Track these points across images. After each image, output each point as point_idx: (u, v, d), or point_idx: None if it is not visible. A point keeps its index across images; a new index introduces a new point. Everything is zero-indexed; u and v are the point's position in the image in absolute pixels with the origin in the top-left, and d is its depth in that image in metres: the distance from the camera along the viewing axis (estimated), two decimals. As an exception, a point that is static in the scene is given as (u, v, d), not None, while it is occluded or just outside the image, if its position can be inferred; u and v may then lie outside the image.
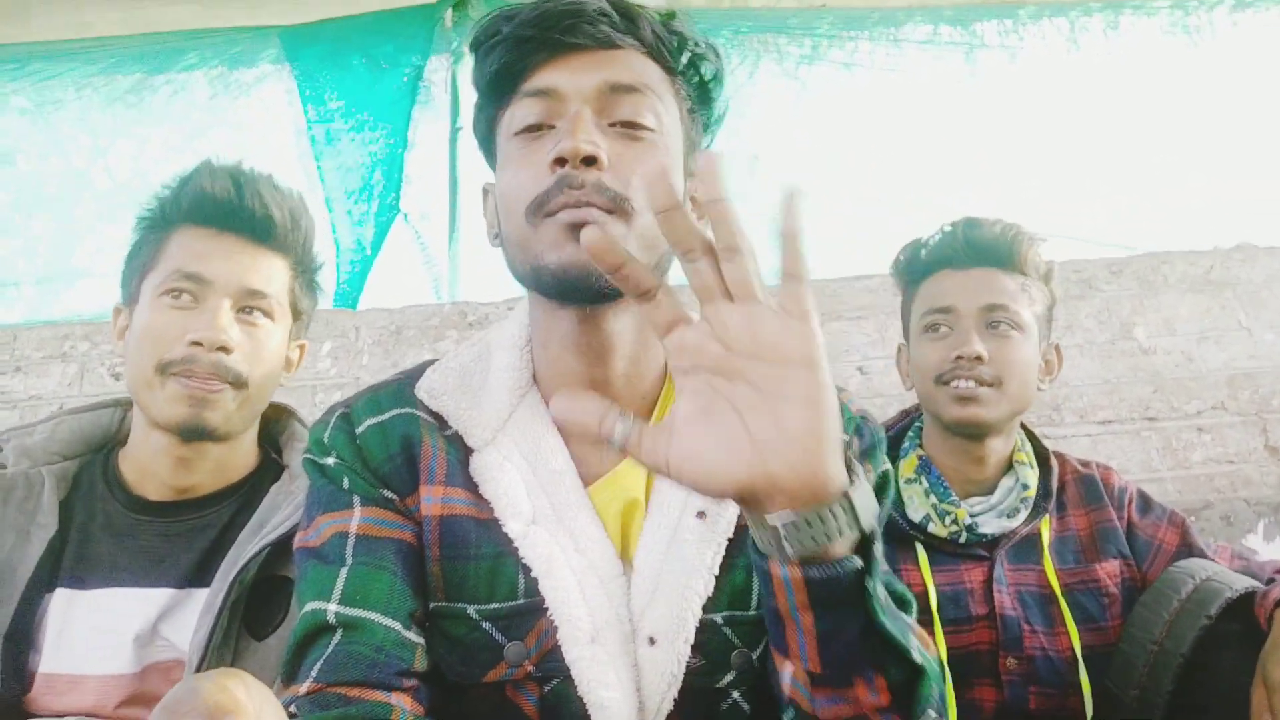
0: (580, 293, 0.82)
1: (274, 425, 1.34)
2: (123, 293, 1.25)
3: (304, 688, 0.76)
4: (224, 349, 1.14)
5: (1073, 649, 1.28)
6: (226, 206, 1.19)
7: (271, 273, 1.22)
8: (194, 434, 1.15)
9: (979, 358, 1.35)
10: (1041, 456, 1.47)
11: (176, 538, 1.17)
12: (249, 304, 1.20)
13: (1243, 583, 1.20)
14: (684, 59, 0.90)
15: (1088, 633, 1.30)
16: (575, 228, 0.78)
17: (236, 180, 1.20)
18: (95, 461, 1.24)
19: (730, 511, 0.85)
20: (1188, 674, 1.17)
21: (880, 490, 0.92)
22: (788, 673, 0.71)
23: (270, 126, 2.67)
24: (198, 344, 1.13)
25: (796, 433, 0.60)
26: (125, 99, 2.66)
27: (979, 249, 1.42)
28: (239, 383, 1.17)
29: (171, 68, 2.65)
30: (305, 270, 1.30)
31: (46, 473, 1.18)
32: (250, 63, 2.65)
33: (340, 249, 2.48)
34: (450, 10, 2.63)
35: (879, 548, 0.67)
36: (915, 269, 1.50)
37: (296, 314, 1.29)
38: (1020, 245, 1.42)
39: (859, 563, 0.64)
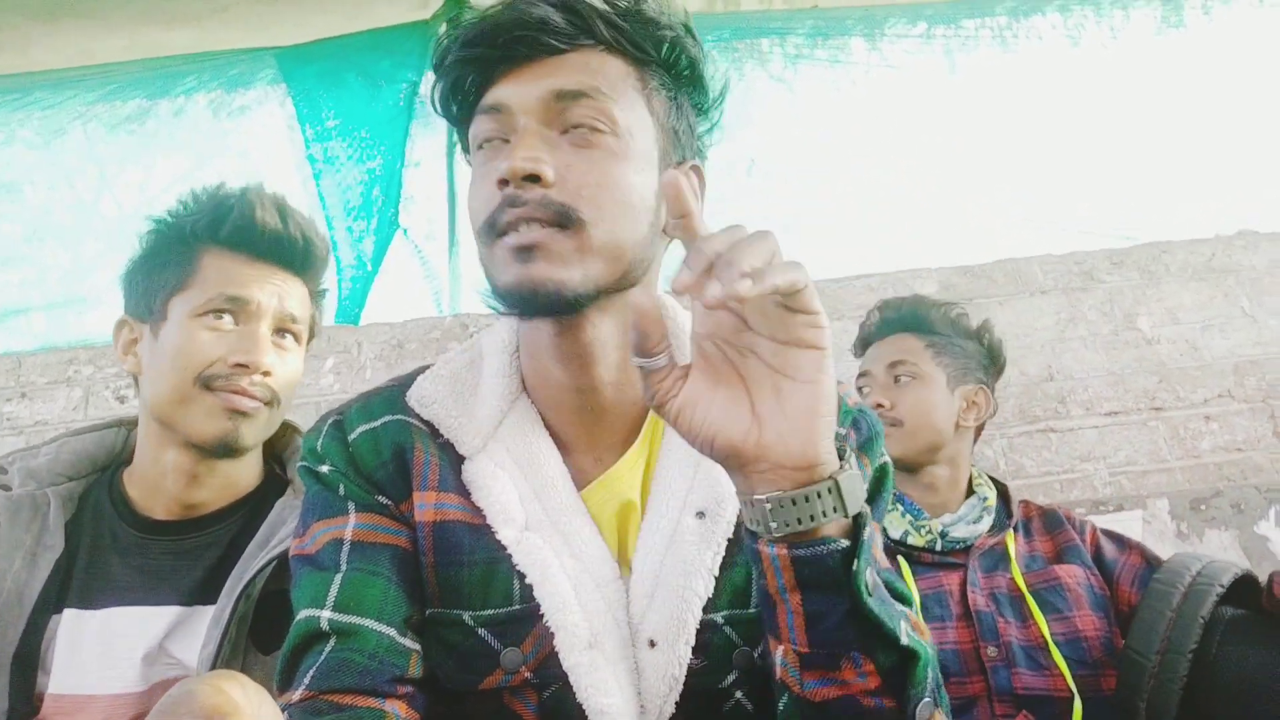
0: (532, 309, 0.81)
1: (278, 441, 1.35)
2: (135, 306, 1.25)
3: (297, 695, 0.76)
4: (266, 373, 1.18)
5: (1043, 636, 1.44)
6: (273, 237, 1.22)
7: (302, 298, 1.27)
8: (225, 450, 1.18)
9: (880, 405, 1.66)
10: (999, 486, 1.71)
11: (182, 555, 1.18)
12: (283, 328, 1.24)
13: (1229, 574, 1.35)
14: (649, 45, 0.86)
15: (1054, 622, 1.46)
16: (521, 250, 0.78)
17: (283, 211, 1.24)
18: (100, 482, 1.25)
19: (730, 511, 0.84)
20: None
21: (879, 484, 0.91)
22: (779, 655, 0.72)
23: (270, 146, 2.68)
24: (242, 366, 1.17)
25: (794, 409, 0.65)
26: (127, 125, 2.68)
27: (888, 322, 1.76)
28: (272, 402, 1.20)
29: (171, 92, 2.67)
30: (320, 294, 1.34)
31: (52, 494, 1.19)
32: (248, 84, 2.67)
33: (341, 266, 2.50)
34: (444, 25, 2.65)
35: (868, 532, 0.69)
36: (857, 354, 1.82)
37: (311, 335, 1.33)
38: (924, 310, 1.74)
39: (845, 544, 0.67)
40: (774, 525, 0.66)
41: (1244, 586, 1.34)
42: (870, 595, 0.68)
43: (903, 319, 1.75)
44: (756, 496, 0.67)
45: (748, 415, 0.66)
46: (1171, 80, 2.74)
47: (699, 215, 0.65)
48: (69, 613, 1.13)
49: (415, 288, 2.53)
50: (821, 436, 0.66)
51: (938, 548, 1.57)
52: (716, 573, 0.82)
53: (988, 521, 1.61)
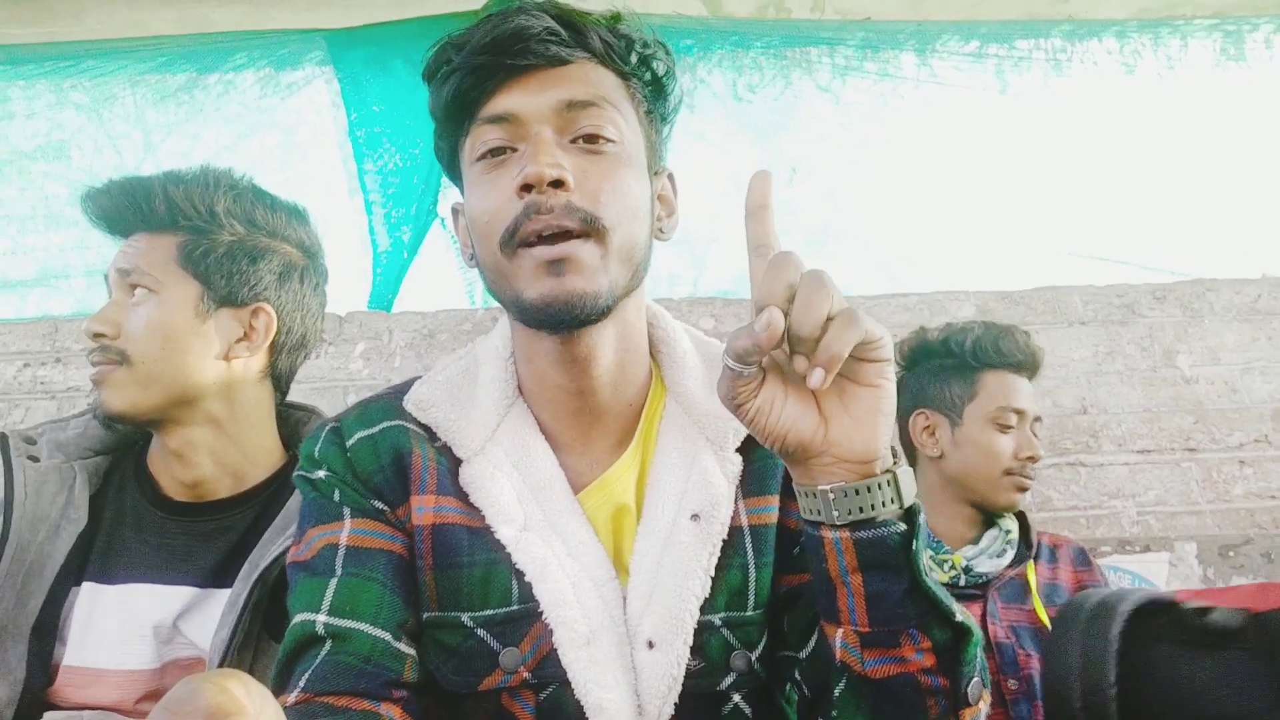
0: (564, 323, 0.82)
1: (301, 427, 1.35)
2: None
3: (292, 698, 0.76)
4: (99, 335, 1.18)
5: None
6: (109, 213, 1.23)
7: (142, 250, 1.21)
8: (107, 419, 1.19)
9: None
10: (1019, 517, 1.70)
11: (201, 537, 1.19)
12: (130, 284, 1.20)
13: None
14: (634, 59, 0.90)
15: None
16: (553, 264, 0.79)
17: (99, 191, 1.25)
18: (127, 458, 1.26)
19: (723, 513, 0.86)
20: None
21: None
22: (838, 637, 0.76)
23: (316, 128, 2.69)
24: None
25: (858, 409, 0.70)
26: (177, 96, 2.70)
27: (1035, 362, 1.69)
28: (123, 360, 1.17)
29: (220, 67, 2.68)
30: (205, 236, 1.23)
31: (79, 467, 1.20)
32: (296, 64, 2.67)
33: (377, 250, 2.50)
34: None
35: (923, 518, 0.74)
36: (982, 357, 1.67)
37: (205, 279, 1.21)
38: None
39: (903, 527, 0.71)
40: (836, 513, 0.71)
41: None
42: (927, 575, 0.72)
43: (1037, 363, 1.72)
44: (820, 487, 0.72)
45: (815, 415, 0.71)
46: (1228, 114, 2.68)
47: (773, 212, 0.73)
48: (88, 586, 1.14)
49: (449, 278, 2.54)
50: (881, 434, 0.71)
51: (961, 583, 1.55)
52: (713, 573, 0.84)
53: (1010, 555, 1.60)
